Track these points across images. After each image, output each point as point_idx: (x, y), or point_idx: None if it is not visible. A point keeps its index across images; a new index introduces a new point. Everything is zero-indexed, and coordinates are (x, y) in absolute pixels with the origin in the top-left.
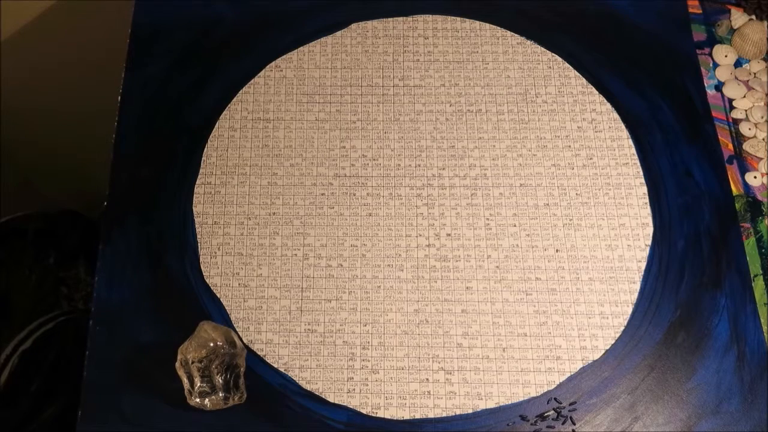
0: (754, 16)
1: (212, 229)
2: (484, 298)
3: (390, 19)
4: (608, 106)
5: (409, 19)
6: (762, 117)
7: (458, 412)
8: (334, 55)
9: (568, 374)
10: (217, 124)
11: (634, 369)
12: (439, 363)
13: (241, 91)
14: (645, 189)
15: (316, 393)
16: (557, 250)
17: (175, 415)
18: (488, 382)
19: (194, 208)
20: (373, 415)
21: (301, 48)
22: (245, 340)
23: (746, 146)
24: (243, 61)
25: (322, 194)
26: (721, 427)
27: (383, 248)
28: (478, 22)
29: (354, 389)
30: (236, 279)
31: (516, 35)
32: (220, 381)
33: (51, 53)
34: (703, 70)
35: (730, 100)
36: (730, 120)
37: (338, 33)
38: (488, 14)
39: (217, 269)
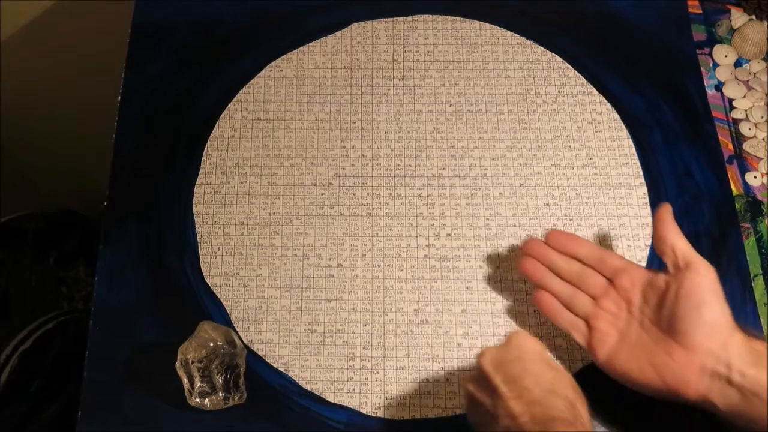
0: (754, 16)
1: (212, 229)
2: (484, 298)
3: (390, 19)
4: (608, 106)
5: (409, 19)
6: (762, 117)
7: (458, 412)
8: (334, 55)
9: None
10: (217, 124)
11: None
12: (439, 363)
13: (241, 91)
14: (645, 189)
15: (316, 393)
16: None
17: (175, 415)
18: None
19: (194, 208)
20: (373, 415)
21: (301, 48)
22: (245, 340)
23: (746, 146)
24: (243, 61)
25: (322, 194)
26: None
27: (383, 248)
28: (478, 22)
29: (354, 389)
30: (236, 279)
31: (516, 35)
32: (220, 381)
33: (51, 53)
34: (703, 70)
35: (730, 100)
36: (730, 120)
37: (338, 33)
38: (488, 14)
39: (217, 269)
